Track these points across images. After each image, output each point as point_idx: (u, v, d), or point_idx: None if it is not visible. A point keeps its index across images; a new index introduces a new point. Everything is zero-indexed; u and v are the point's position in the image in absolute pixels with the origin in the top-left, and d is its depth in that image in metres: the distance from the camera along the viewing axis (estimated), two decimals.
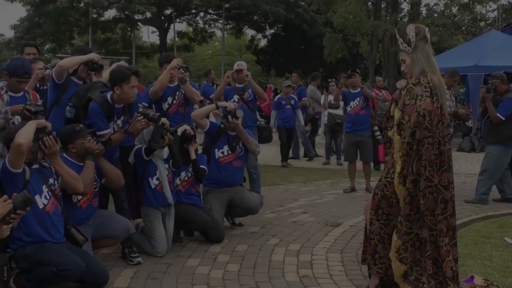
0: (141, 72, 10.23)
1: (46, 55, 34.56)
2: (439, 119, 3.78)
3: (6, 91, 5.04)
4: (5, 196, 3.49)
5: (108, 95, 4.98)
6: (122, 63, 6.12)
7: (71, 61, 5.24)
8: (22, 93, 5.08)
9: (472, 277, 4.41)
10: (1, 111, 4.93)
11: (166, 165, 5.37)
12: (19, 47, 31.29)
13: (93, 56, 5.31)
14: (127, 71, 4.92)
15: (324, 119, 12.42)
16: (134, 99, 5.01)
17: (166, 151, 5.31)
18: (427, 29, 3.94)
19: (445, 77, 4.02)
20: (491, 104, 7.53)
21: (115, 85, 4.92)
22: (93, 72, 5.42)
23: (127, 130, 4.89)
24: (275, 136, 10.78)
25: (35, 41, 30.08)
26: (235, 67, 7.64)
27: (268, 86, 20.22)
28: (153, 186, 5.28)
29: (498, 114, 7.46)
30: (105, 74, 5.91)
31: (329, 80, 13.86)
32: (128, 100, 4.96)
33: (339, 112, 11.31)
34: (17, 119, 4.89)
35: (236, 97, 7.60)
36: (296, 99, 11.70)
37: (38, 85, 6.11)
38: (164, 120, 5.25)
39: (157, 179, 5.27)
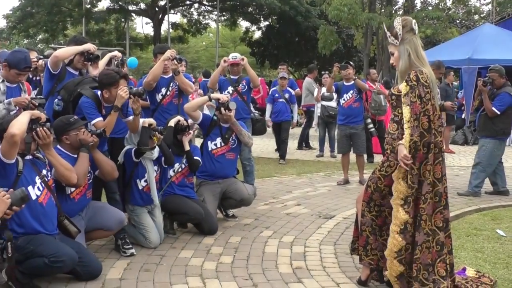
0: None
1: (39, 46, 34.44)
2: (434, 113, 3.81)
3: (3, 81, 5.01)
4: (2, 192, 3.48)
5: (99, 93, 4.97)
6: (116, 53, 6.10)
7: (66, 51, 5.21)
8: (16, 83, 5.06)
9: (464, 269, 4.44)
10: (3, 102, 4.92)
11: (155, 167, 5.36)
12: (11, 36, 31.23)
13: (89, 46, 5.29)
14: (115, 75, 4.89)
15: (317, 111, 12.35)
16: (125, 100, 4.96)
17: (156, 151, 5.30)
18: (414, 21, 3.93)
19: None
20: (487, 98, 7.54)
21: (103, 89, 4.91)
22: (89, 63, 5.40)
23: (116, 106, 4.82)
24: (270, 128, 10.78)
25: (28, 31, 30.06)
26: (230, 59, 7.63)
27: (259, 79, 20.11)
28: (140, 188, 5.28)
29: (493, 108, 7.47)
30: (100, 64, 5.90)
31: (323, 72, 13.80)
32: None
33: (333, 104, 11.29)
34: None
35: (230, 89, 7.60)
36: (292, 93, 11.28)
37: (31, 76, 6.10)
38: (150, 120, 5.23)
39: (145, 181, 5.28)
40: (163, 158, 5.44)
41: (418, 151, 3.76)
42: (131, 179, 5.26)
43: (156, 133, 5.15)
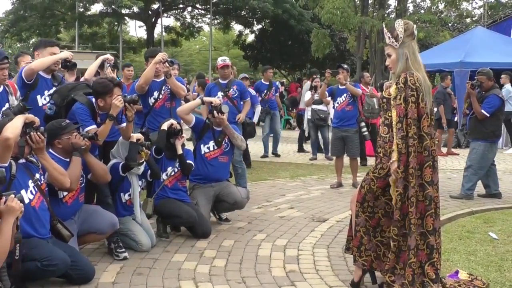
0: None
1: (31, 49, 34.28)
2: (424, 116, 3.84)
3: None
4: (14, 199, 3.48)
5: (93, 99, 4.97)
6: (108, 56, 6.10)
7: (43, 63, 5.19)
8: (2, 88, 4.96)
9: (456, 272, 4.45)
10: None
11: (140, 182, 5.36)
12: (3, 40, 31.09)
13: (66, 54, 5.27)
14: (109, 84, 4.91)
15: (307, 114, 12.28)
16: (120, 109, 4.95)
17: (142, 165, 5.27)
18: (414, 26, 3.98)
19: None
20: (475, 100, 7.57)
21: (98, 98, 4.92)
22: (66, 70, 5.38)
23: (111, 114, 4.85)
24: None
25: (21, 35, 29.95)
26: (220, 62, 7.64)
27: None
28: (123, 201, 5.28)
29: (482, 111, 7.50)
30: (90, 68, 5.90)
31: (314, 76, 13.77)
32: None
33: (323, 107, 11.31)
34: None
35: (220, 94, 7.58)
36: (253, 93, 10.48)
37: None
38: (138, 135, 5.23)
39: (129, 195, 5.27)
40: (149, 172, 5.43)
41: (402, 154, 3.79)
42: (115, 192, 5.25)
43: (144, 148, 5.14)
